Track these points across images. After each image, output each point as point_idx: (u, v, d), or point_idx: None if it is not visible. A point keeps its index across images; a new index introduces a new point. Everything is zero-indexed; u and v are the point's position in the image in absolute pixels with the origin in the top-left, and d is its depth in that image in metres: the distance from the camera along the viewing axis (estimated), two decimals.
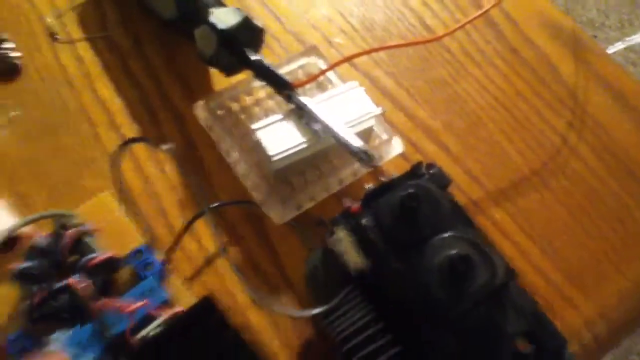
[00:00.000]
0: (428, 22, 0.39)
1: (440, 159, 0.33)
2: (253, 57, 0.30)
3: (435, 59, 0.38)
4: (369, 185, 0.25)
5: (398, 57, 0.37)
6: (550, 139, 0.35)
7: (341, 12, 0.39)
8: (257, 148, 0.29)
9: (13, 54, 0.32)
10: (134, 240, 0.26)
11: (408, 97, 0.36)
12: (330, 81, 0.33)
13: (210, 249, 0.28)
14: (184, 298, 0.25)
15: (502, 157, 0.34)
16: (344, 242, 0.23)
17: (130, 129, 0.31)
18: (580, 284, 0.30)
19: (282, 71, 0.31)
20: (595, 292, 0.30)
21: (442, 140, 0.34)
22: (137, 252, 0.26)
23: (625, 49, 1.28)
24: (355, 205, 0.24)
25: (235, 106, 0.32)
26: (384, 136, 0.31)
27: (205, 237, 0.28)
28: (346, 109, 0.30)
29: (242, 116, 0.32)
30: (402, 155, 0.31)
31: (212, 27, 0.30)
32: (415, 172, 0.26)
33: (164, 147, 0.30)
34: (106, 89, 0.33)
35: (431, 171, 0.26)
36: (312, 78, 0.31)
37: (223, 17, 0.30)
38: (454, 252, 0.22)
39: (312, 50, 0.34)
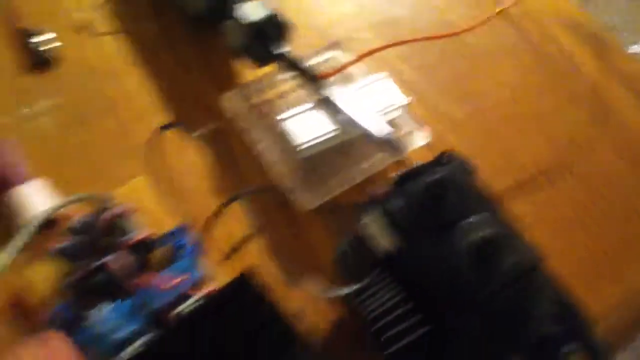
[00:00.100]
0: (450, 17, 0.40)
1: (462, 150, 0.34)
2: (280, 50, 0.31)
3: (456, 53, 0.38)
4: (398, 172, 0.26)
5: (421, 51, 0.38)
6: (570, 134, 0.36)
7: (366, 8, 0.40)
8: (283, 138, 0.30)
9: (53, 45, 0.33)
10: (168, 222, 0.27)
11: (431, 90, 0.36)
12: (355, 75, 0.34)
13: (241, 233, 0.29)
14: (217, 277, 0.25)
15: (520, 151, 0.35)
16: (373, 226, 0.24)
17: (162, 117, 0.32)
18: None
19: (308, 64, 0.32)
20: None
21: (463, 132, 0.35)
22: (172, 233, 0.26)
23: None
24: (383, 191, 0.25)
25: (261, 98, 0.33)
26: (410, 127, 0.32)
27: (236, 221, 0.29)
28: (375, 98, 0.31)
29: (269, 107, 0.33)
30: (426, 146, 0.32)
31: (242, 20, 0.31)
32: (440, 160, 0.26)
33: (195, 133, 0.31)
34: (140, 80, 0.34)
35: (456, 160, 0.26)
36: (338, 70, 0.32)
37: (252, 11, 0.31)
38: (482, 234, 0.22)
39: (336, 45, 0.35)
